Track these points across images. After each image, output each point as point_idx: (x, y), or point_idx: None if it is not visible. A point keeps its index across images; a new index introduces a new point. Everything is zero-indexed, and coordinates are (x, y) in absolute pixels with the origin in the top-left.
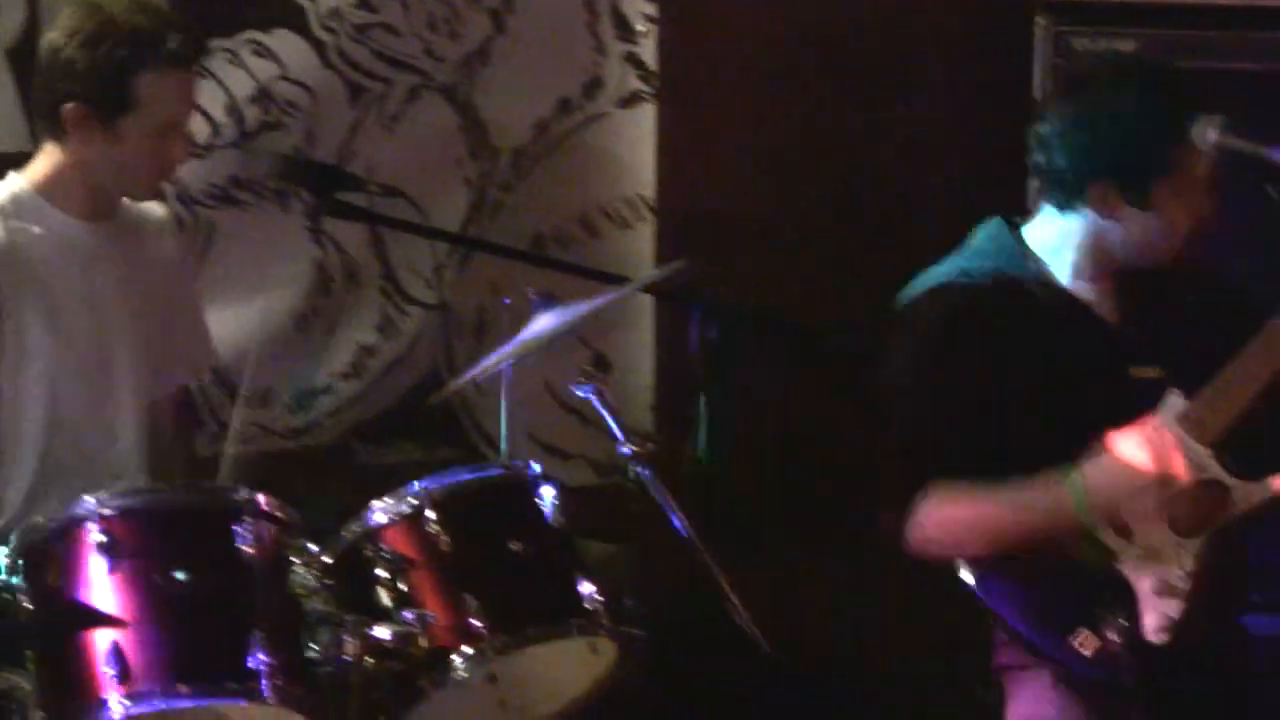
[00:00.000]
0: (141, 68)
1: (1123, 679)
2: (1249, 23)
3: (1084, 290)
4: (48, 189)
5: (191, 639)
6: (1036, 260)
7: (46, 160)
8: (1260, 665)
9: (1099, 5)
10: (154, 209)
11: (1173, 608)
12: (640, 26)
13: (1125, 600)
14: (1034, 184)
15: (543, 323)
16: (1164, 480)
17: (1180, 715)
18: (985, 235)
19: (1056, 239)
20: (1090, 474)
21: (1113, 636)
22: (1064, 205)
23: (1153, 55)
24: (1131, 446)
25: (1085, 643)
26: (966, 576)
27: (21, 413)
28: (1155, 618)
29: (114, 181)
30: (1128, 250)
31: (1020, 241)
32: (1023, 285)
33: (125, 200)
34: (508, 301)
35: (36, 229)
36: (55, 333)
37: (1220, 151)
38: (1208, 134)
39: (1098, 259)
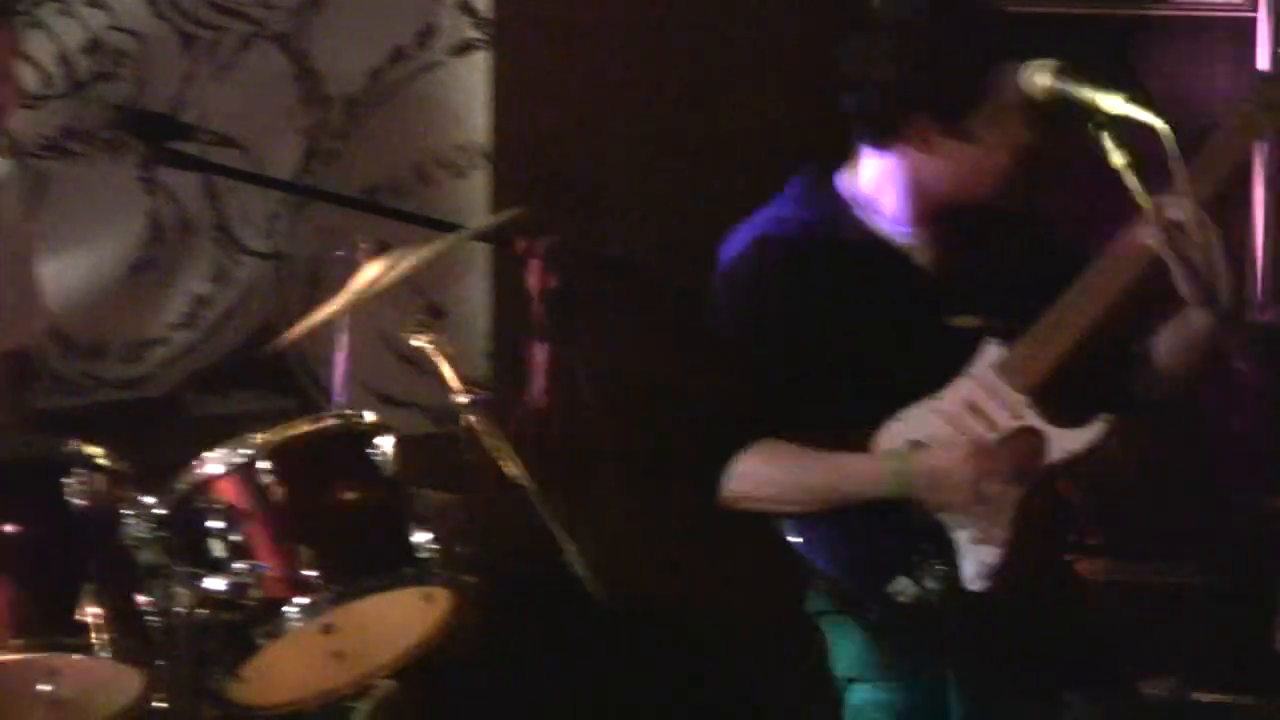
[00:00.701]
0: None
1: (942, 626)
2: None
3: (903, 237)
4: None
5: (21, 592)
6: (852, 206)
7: None
8: (1091, 608)
9: None
10: None
11: (991, 555)
12: None
13: (944, 549)
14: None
15: (376, 272)
16: (983, 477)
17: (1001, 661)
18: (799, 183)
19: (876, 180)
20: (913, 464)
21: (931, 585)
22: (880, 144)
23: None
24: (957, 455)
25: (903, 589)
26: (786, 527)
27: None
28: (974, 565)
29: None
30: (949, 185)
31: (834, 188)
32: (837, 233)
33: None
34: (341, 253)
35: None
36: None
37: (1053, 96)
38: (1040, 78)
39: (919, 197)
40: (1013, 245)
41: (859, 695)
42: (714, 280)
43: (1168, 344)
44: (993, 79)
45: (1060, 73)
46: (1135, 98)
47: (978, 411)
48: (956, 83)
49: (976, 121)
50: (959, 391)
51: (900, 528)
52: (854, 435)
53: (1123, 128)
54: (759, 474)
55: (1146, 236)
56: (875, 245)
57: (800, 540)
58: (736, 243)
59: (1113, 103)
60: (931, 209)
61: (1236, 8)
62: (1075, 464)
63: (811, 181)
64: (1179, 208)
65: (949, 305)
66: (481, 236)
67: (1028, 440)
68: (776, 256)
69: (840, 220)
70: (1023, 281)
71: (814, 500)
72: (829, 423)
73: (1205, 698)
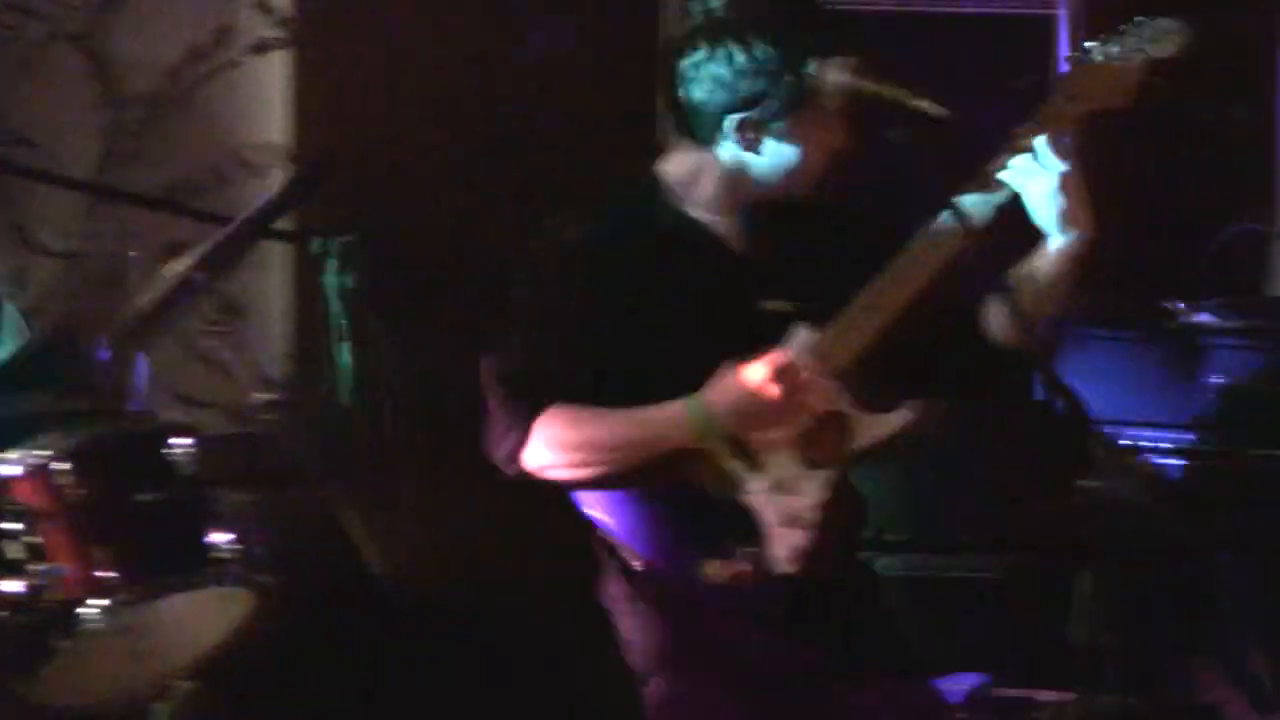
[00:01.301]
0: None
1: (753, 606)
2: None
3: (717, 224)
4: None
5: None
6: (669, 195)
7: None
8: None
9: None
10: None
11: (800, 538)
12: None
13: (753, 531)
14: (669, 119)
15: (174, 270)
16: (789, 407)
17: (809, 641)
18: (623, 170)
19: (692, 171)
20: (712, 394)
21: (741, 566)
22: (703, 139)
23: None
24: (757, 373)
25: (715, 572)
26: (592, 509)
27: None
28: (783, 549)
29: None
30: (766, 182)
31: (654, 175)
32: (653, 218)
33: None
34: (134, 255)
35: None
36: None
37: (851, 92)
38: (838, 75)
39: (734, 191)
40: (827, 231)
41: (663, 688)
42: (531, 260)
43: (1026, 292)
44: (817, 84)
45: (856, 70)
46: (924, 94)
47: None
48: (780, 86)
49: (799, 124)
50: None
51: (711, 511)
52: None
53: (922, 123)
54: (559, 437)
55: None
56: (689, 231)
57: (609, 522)
58: (554, 227)
59: (906, 98)
60: (746, 200)
61: (1035, 5)
62: (880, 450)
63: (634, 167)
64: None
65: (760, 290)
66: (282, 236)
67: (834, 425)
68: (594, 240)
69: (657, 206)
70: (837, 267)
71: (618, 458)
72: (635, 401)
73: (1007, 692)
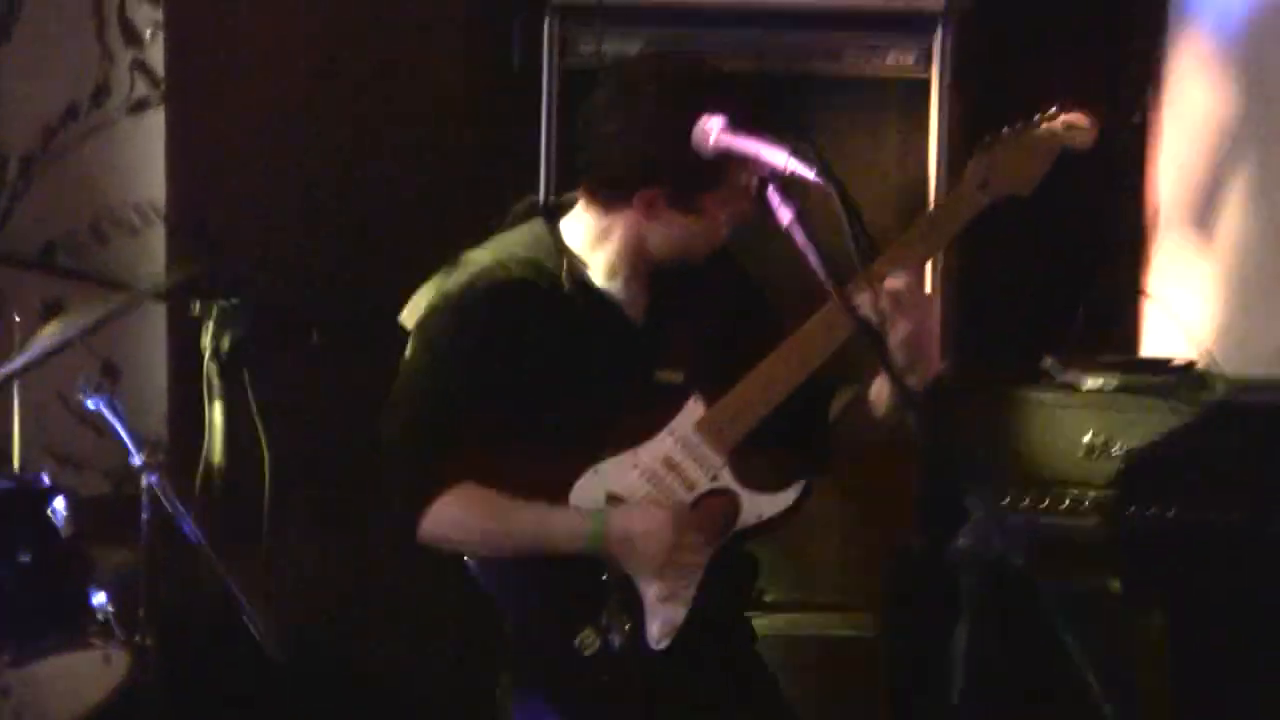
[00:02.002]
0: None
1: (620, 681)
2: (740, 22)
3: (616, 290)
4: None
5: None
6: (571, 256)
7: None
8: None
9: (607, 7)
10: None
11: (677, 614)
12: (147, 33)
13: (632, 605)
14: (574, 175)
15: (51, 333)
16: (682, 553)
17: (680, 714)
18: (525, 228)
19: (593, 237)
20: (613, 524)
21: (615, 639)
22: (607, 205)
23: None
24: (653, 518)
25: (588, 642)
26: (479, 573)
27: None
28: (659, 625)
29: None
30: (667, 252)
31: (557, 236)
32: (555, 281)
33: None
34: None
35: None
36: None
37: (718, 154)
38: (709, 134)
39: (634, 258)
40: (719, 303)
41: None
42: (428, 313)
43: (861, 404)
44: (731, 164)
45: (727, 128)
46: (802, 153)
47: (676, 469)
48: (698, 167)
49: (708, 200)
50: (659, 447)
51: (590, 581)
52: (551, 482)
53: (792, 184)
54: (458, 518)
55: (860, 303)
56: (588, 295)
57: (491, 586)
58: (456, 280)
59: (778, 157)
60: (645, 268)
61: (910, 69)
62: (766, 528)
63: (536, 227)
64: (898, 278)
65: (655, 359)
66: (155, 295)
67: (722, 503)
68: (495, 296)
69: (561, 267)
70: (728, 340)
71: (513, 547)
72: (526, 466)
73: None
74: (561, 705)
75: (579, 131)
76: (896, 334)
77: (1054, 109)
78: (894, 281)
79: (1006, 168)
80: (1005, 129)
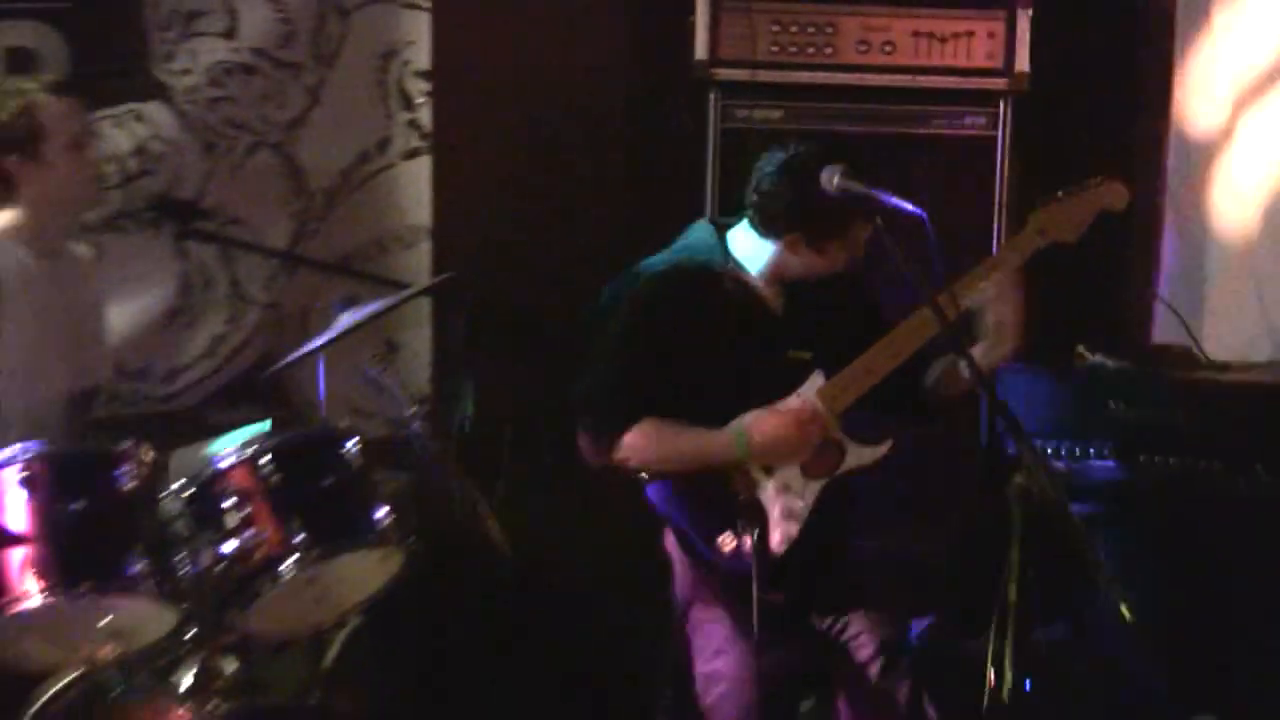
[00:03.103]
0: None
1: (751, 573)
2: (855, 97)
3: (763, 289)
4: (13, 233)
5: (87, 550)
6: (733, 260)
7: (7, 215)
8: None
9: (755, 84)
10: (85, 253)
11: (793, 529)
12: (418, 100)
13: (760, 519)
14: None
15: (347, 319)
16: (802, 446)
17: (789, 601)
18: (698, 235)
19: (751, 251)
20: (751, 429)
21: (746, 543)
22: (762, 233)
23: (796, 123)
24: (785, 416)
25: (725, 544)
26: (654, 498)
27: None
28: (779, 535)
29: (63, 201)
30: (801, 274)
31: (725, 243)
32: (720, 279)
33: (68, 245)
34: (319, 305)
35: (3, 261)
36: (16, 346)
37: (841, 192)
38: (832, 178)
39: (776, 274)
40: (838, 303)
41: (693, 614)
42: (621, 302)
43: (943, 378)
44: (854, 221)
45: (844, 174)
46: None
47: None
48: (832, 223)
49: (833, 244)
50: (790, 406)
51: (729, 500)
52: (707, 427)
53: (892, 219)
54: (641, 444)
55: (946, 309)
56: (743, 291)
57: (660, 501)
58: (645, 274)
59: (885, 196)
60: (786, 279)
61: (982, 128)
62: (863, 471)
63: (708, 235)
64: (978, 294)
65: (789, 342)
66: (424, 292)
67: (832, 450)
68: (674, 288)
69: (724, 269)
70: (844, 330)
71: (682, 464)
72: (690, 415)
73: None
74: (708, 590)
75: (751, 181)
76: (992, 318)
77: (1100, 178)
78: (990, 291)
79: (1060, 220)
80: (1060, 191)
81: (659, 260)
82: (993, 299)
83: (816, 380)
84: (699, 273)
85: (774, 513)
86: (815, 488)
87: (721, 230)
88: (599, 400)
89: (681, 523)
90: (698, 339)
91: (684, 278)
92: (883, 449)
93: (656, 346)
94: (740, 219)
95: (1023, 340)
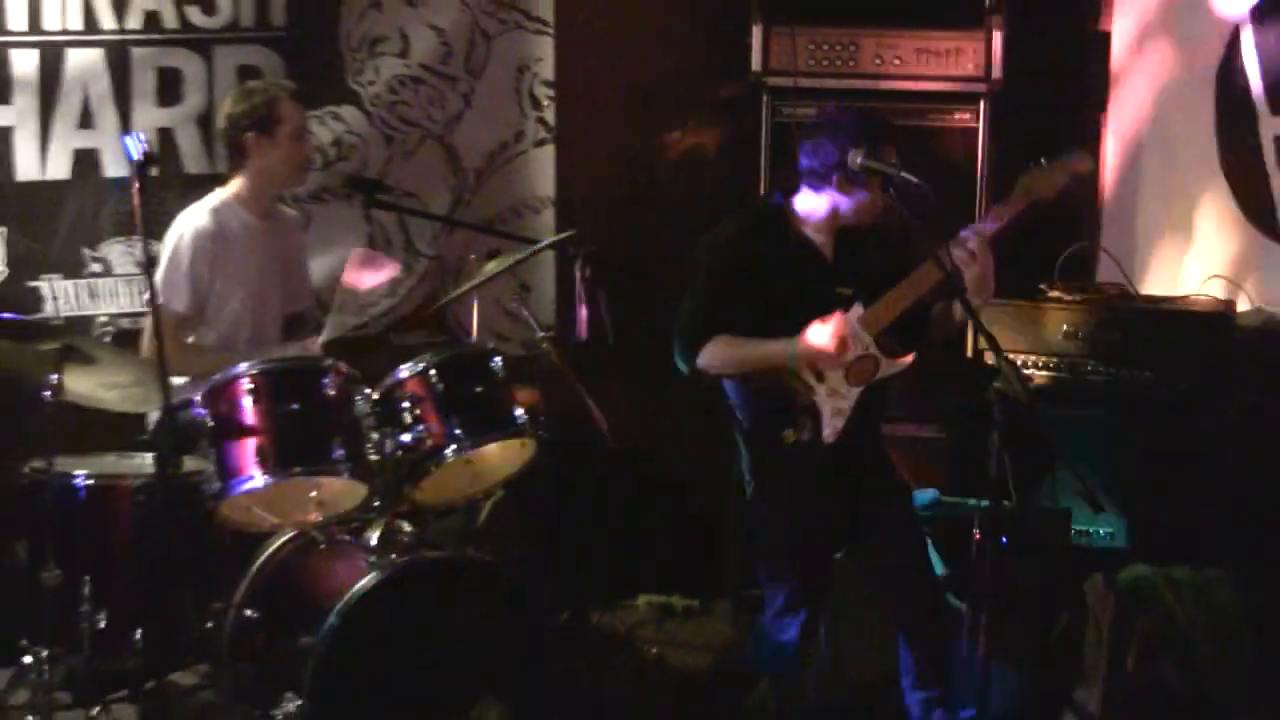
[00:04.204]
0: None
1: (809, 457)
2: (874, 98)
3: (818, 238)
4: (239, 199)
5: (299, 441)
6: (795, 218)
7: (235, 184)
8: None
9: (797, 89)
10: (291, 213)
11: (840, 423)
12: (545, 102)
13: (815, 416)
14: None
15: (493, 267)
16: (841, 351)
17: (843, 484)
18: (766, 200)
19: (810, 206)
20: (802, 339)
21: (805, 435)
22: (816, 189)
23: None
24: (827, 330)
25: (789, 436)
26: (730, 396)
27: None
28: (830, 428)
29: (280, 174)
30: (851, 217)
31: (789, 205)
32: (784, 231)
33: (280, 207)
34: (473, 256)
35: (233, 222)
36: (243, 283)
37: (866, 169)
38: (857, 157)
39: (830, 223)
40: (873, 254)
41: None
42: (706, 245)
43: (939, 317)
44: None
45: (865, 155)
46: (909, 168)
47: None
48: (867, 166)
49: (872, 183)
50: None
51: (791, 399)
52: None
53: (904, 188)
54: (719, 353)
55: (953, 253)
56: (801, 242)
57: (734, 399)
58: (721, 228)
59: (896, 170)
60: (837, 227)
61: (967, 121)
62: (892, 379)
63: (774, 200)
64: (975, 241)
65: (837, 281)
66: (549, 246)
67: (869, 362)
68: (742, 238)
69: (786, 224)
70: (878, 272)
71: (745, 365)
72: (760, 335)
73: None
74: (771, 474)
75: (800, 152)
76: (970, 274)
77: (1074, 151)
78: (972, 245)
79: (1042, 184)
80: (1042, 159)
81: (734, 219)
82: (968, 261)
83: (857, 310)
84: (764, 225)
85: (825, 412)
86: (856, 392)
87: (788, 197)
88: (685, 324)
89: (748, 419)
90: (762, 276)
91: (750, 230)
92: (907, 360)
93: (730, 282)
94: (801, 189)
95: (993, 290)
